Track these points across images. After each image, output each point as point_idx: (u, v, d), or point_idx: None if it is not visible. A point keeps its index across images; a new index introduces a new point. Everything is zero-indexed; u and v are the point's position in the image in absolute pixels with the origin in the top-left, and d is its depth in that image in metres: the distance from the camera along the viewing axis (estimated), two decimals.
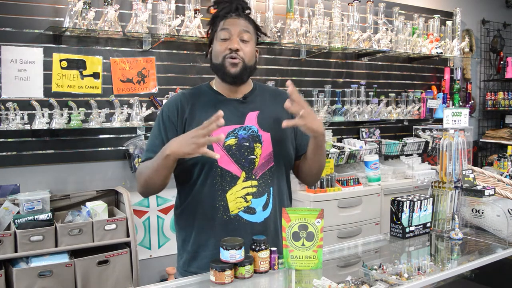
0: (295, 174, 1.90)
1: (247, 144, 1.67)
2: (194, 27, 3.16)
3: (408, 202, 1.97)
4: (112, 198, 3.05)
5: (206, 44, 1.79)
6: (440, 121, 4.03)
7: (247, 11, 1.73)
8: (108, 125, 3.00)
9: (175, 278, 1.64)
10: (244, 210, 1.65)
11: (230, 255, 1.47)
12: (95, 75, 3.06)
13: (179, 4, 3.26)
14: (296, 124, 1.56)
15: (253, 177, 1.66)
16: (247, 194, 1.65)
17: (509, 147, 4.43)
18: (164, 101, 3.21)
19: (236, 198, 1.65)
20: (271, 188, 1.70)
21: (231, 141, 1.66)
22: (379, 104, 4.08)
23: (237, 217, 1.65)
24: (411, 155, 4.12)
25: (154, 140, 1.70)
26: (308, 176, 1.85)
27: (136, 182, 1.72)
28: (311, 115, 1.57)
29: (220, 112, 1.45)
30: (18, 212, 2.60)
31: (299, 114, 1.54)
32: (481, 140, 5.22)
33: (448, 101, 4.64)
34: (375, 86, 4.24)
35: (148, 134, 3.26)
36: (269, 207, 1.69)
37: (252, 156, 1.67)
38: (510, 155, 4.30)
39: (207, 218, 1.66)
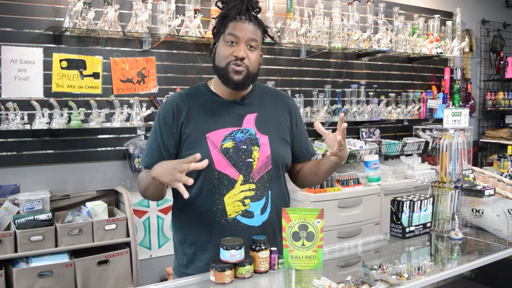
0: (291, 177, 1.90)
1: (245, 147, 1.65)
2: (194, 27, 3.16)
3: (408, 202, 1.97)
4: (112, 198, 3.05)
5: (206, 44, 1.77)
6: (440, 121, 4.03)
7: (257, 10, 1.67)
8: (108, 125, 3.00)
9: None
10: (242, 214, 1.64)
11: (230, 255, 1.47)
12: (95, 75, 3.06)
13: (179, 4, 3.26)
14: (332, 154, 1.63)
15: (251, 180, 1.65)
16: (245, 197, 1.64)
17: (509, 147, 4.42)
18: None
19: (234, 201, 1.63)
20: (269, 192, 1.69)
21: (228, 144, 1.64)
22: (379, 104, 4.08)
23: (235, 221, 1.64)
24: (411, 155, 4.11)
25: (152, 144, 1.69)
26: (308, 184, 1.93)
27: (138, 187, 1.74)
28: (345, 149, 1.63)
29: (198, 155, 1.44)
30: (18, 212, 2.60)
31: (334, 150, 1.60)
32: (481, 140, 5.22)
33: (448, 101, 4.64)
34: (375, 86, 4.24)
35: (148, 134, 3.27)
36: (267, 210, 1.68)
37: (250, 159, 1.65)
38: (510, 155, 4.30)
39: (204, 222, 1.65)
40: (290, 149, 1.78)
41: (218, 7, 1.69)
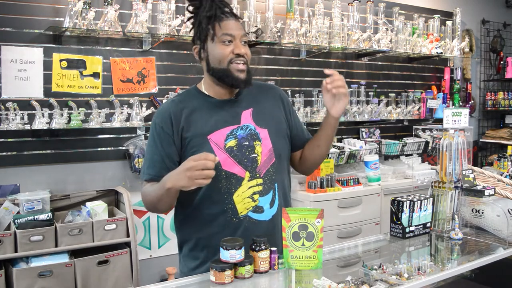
0: (294, 165, 1.90)
1: (247, 143, 1.66)
2: None
3: (408, 202, 1.97)
4: (112, 198, 3.05)
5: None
6: (440, 121, 4.03)
7: (231, 7, 1.70)
8: (108, 125, 3.00)
9: (175, 278, 1.64)
10: (252, 210, 1.65)
11: (230, 255, 1.47)
12: (95, 75, 3.06)
13: (179, 4, 3.26)
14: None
15: (258, 175, 1.66)
16: (254, 193, 1.65)
17: (509, 147, 4.42)
18: (164, 101, 3.20)
19: (243, 199, 1.64)
20: (276, 184, 1.70)
21: (231, 142, 1.65)
22: (379, 104, 4.08)
23: (247, 218, 1.65)
24: (411, 155, 4.11)
25: (153, 155, 1.66)
26: (314, 164, 1.90)
27: (142, 201, 1.70)
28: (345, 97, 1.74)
29: (217, 158, 1.46)
30: (18, 212, 2.60)
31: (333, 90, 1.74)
32: (481, 140, 5.22)
33: (448, 101, 4.64)
34: (375, 86, 4.24)
35: (148, 134, 3.28)
36: (275, 203, 1.70)
37: (254, 155, 1.66)
38: (510, 155, 4.30)
39: (216, 223, 1.65)
40: (289, 139, 1.80)
41: (189, 11, 1.70)
